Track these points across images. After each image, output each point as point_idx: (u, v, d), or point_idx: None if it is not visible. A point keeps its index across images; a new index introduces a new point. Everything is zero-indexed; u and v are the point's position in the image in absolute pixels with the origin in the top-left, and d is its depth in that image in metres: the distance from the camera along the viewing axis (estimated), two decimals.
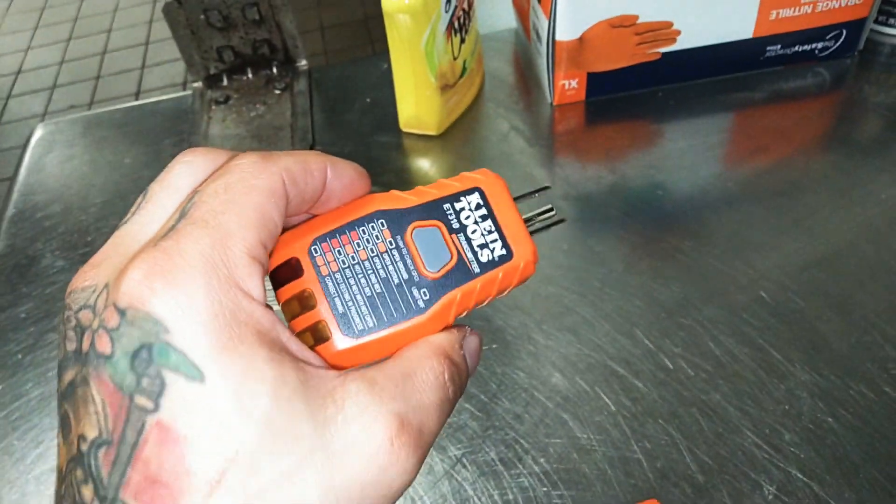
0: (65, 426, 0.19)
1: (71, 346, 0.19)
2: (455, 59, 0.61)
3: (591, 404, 0.44)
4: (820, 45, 0.63)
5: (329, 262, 0.22)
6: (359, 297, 0.22)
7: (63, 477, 0.19)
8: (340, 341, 0.21)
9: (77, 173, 0.67)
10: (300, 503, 0.18)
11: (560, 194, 0.58)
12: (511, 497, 0.41)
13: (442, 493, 0.42)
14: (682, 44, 0.60)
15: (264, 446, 0.18)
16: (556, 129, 0.64)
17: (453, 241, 0.23)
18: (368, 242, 0.22)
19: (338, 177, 0.22)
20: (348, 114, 0.67)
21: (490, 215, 0.23)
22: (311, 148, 0.64)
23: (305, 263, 0.22)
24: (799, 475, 0.40)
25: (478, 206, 0.24)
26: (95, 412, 0.18)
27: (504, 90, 0.68)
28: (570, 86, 0.62)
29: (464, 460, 0.43)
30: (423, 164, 0.63)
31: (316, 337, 0.21)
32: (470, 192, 0.24)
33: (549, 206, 0.27)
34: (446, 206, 0.23)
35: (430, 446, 0.20)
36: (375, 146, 0.63)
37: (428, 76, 0.59)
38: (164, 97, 0.75)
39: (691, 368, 0.46)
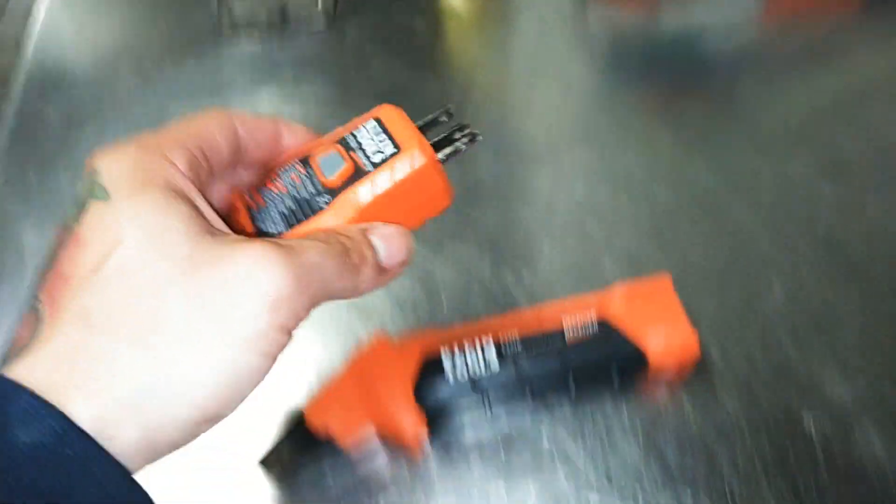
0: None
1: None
2: None
3: (611, 209, 0.46)
4: None
5: (257, 201, 0.26)
6: (276, 216, 0.25)
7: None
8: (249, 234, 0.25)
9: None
10: (161, 296, 0.20)
11: (594, 31, 0.57)
12: (528, 287, 0.43)
13: (463, 282, 0.43)
14: None
15: (140, 247, 0.21)
16: None
17: (350, 156, 0.26)
18: (285, 180, 0.26)
19: (290, 134, 0.27)
20: None
21: (384, 132, 0.26)
22: None
23: (237, 203, 0.26)
24: (809, 276, 0.42)
25: (374, 130, 0.26)
26: (53, 243, 0.23)
27: None
28: None
29: (484, 254, 0.44)
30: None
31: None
32: (367, 121, 0.27)
33: (459, 125, 0.29)
34: (348, 135, 0.26)
35: (312, 275, 0.22)
36: None
37: None
38: None
39: (712, 181, 0.47)
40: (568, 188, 0.47)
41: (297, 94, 0.55)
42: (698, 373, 0.38)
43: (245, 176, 0.27)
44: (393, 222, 0.25)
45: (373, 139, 0.26)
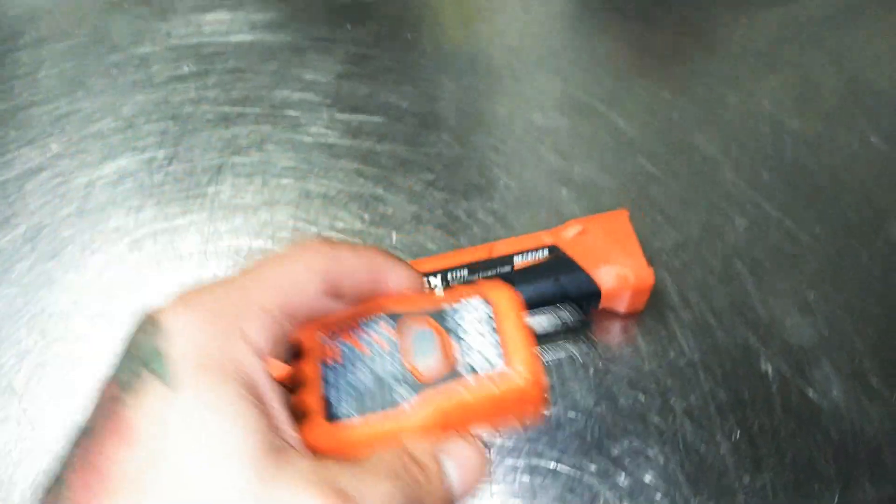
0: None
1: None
2: None
3: (570, 139, 0.43)
4: None
5: (333, 352, 0.22)
6: (348, 386, 0.22)
7: None
8: (318, 424, 0.21)
9: None
10: None
11: None
12: (481, 218, 0.41)
13: (412, 212, 0.41)
14: None
15: (198, 464, 0.18)
16: None
17: (449, 348, 0.22)
18: (371, 339, 0.23)
19: (391, 273, 0.24)
20: None
21: (491, 326, 0.22)
22: None
23: (310, 350, 0.22)
24: (772, 209, 0.40)
25: (481, 318, 0.23)
26: (93, 406, 0.19)
27: None
28: None
29: (437, 184, 0.42)
30: None
31: (299, 416, 0.21)
32: (476, 300, 0.23)
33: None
34: (450, 311, 0.23)
35: None
36: None
37: None
38: None
39: (677, 112, 0.44)
40: (527, 115, 0.44)
41: (245, 18, 0.51)
42: (653, 308, 0.37)
43: (334, 305, 0.23)
44: (475, 427, 0.22)
45: (478, 332, 0.22)
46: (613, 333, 0.37)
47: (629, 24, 0.49)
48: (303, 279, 0.22)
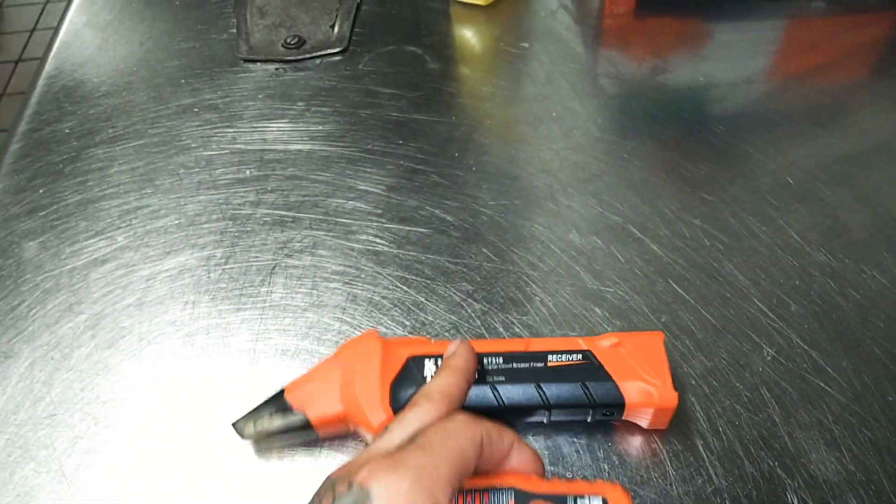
0: None
1: None
2: None
3: (605, 260, 0.45)
4: None
5: None
6: None
7: None
8: None
9: (128, 9, 0.68)
10: None
11: (601, 74, 0.58)
12: (517, 331, 0.43)
13: (452, 321, 0.43)
14: None
15: None
16: (605, 11, 0.63)
17: None
18: None
19: (518, 454, 0.30)
20: None
21: None
22: (359, 8, 0.64)
23: None
24: (799, 342, 0.41)
25: None
26: None
27: None
28: None
29: (475, 295, 0.44)
30: (468, 32, 0.63)
31: None
32: (595, 497, 0.28)
33: None
34: (570, 501, 0.27)
35: None
36: (423, 10, 0.63)
37: None
38: None
39: (708, 239, 0.46)
40: (563, 235, 0.47)
41: (305, 129, 0.55)
42: (682, 433, 0.38)
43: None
44: None
45: None
46: (642, 454, 0.38)
47: (664, 152, 0.52)
48: (470, 454, 0.27)
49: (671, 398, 0.36)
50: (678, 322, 0.42)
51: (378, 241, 0.47)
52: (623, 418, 0.37)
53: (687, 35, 0.61)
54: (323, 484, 0.27)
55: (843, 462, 0.37)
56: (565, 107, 0.55)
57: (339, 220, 0.49)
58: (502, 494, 0.27)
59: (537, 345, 0.37)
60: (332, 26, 0.62)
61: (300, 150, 0.53)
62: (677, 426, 0.38)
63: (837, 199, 0.48)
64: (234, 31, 0.64)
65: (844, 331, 0.42)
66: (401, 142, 0.53)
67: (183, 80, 0.60)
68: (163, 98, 0.59)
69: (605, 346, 0.37)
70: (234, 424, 0.37)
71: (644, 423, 0.38)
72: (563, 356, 0.37)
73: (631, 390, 0.36)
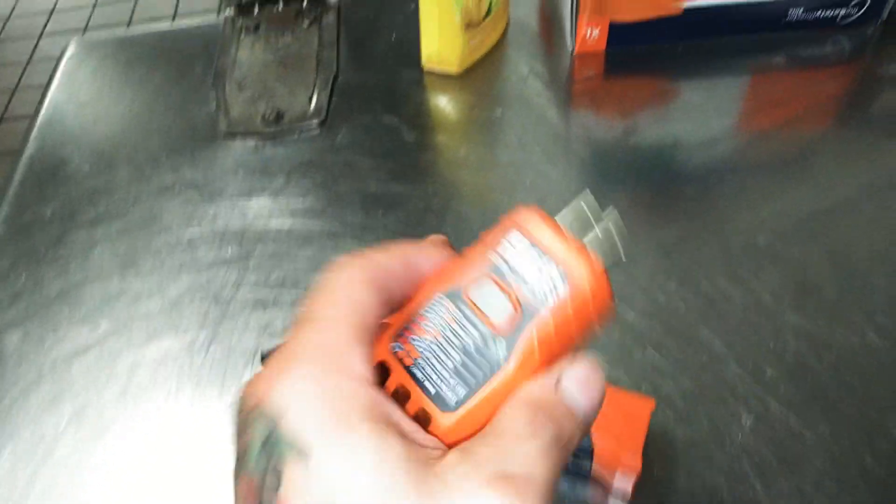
0: None
1: (239, 449, 0.21)
2: None
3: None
4: (843, 12, 0.63)
5: (410, 353, 0.23)
6: (444, 372, 0.22)
7: None
8: (442, 418, 0.22)
9: (108, 87, 0.69)
10: None
11: (574, 139, 0.59)
12: None
13: None
14: None
15: None
16: (575, 76, 0.65)
17: (510, 288, 0.22)
18: (437, 322, 0.23)
19: (427, 263, 0.24)
20: (373, 49, 0.69)
21: (535, 248, 0.23)
22: (335, 78, 0.65)
23: (391, 362, 0.23)
24: (777, 406, 0.42)
25: (523, 246, 0.23)
26: None
27: (527, 35, 0.69)
28: (592, 34, 0.63)
29: None
30: (442, 100, 0.64)
31: (421, 422, 0.22)
32: (509, 233, 0.23)
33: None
34: (493, 256, 0.23)
35: (550, 491, 0.19)
36: (399, 80, 0.65)
37: (453, 13, 0.60)
38: (197, 22, 0.77)
39: (683, 303, 0.47)
40: None
41: (286, 204, 0.56)
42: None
43: (387, 312, 0.23)
44: (570, 347, 0.23)
45: (528, 261, 0.23)
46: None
47: (637, 216, 0.53)
48: (365, 299, 0.22)
49: (634, 464, 0.36)
50: (658, 391, 0.43)
51: None
52: (594, 472, 0.38)
53: (655, 95, 0.63)
54: (240, 410, 0.21)
55: None
56: (538, 172, 0.56)
57: None
58: (434, 308, 0.23)
59: None
60: (310, 98, 0.64)
61: (281, 227, 0.54)
62: (660, 501, 0.38)
63: (807, 258, 0.49)
64: (214, 105, 0.65)
65: (820, 393, 0.42)
66: (381, 213, 0.54)
67: (164, 158, 0.61)
68: (144, 177, 0.60)
69: None
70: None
71: (614, 484, 0.38)
72: None
73: (602, 445, 0.37)
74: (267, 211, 0.55)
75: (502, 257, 0.23)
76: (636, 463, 0.37)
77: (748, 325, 0.46)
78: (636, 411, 0.38)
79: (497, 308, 0.22)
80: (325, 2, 0.73)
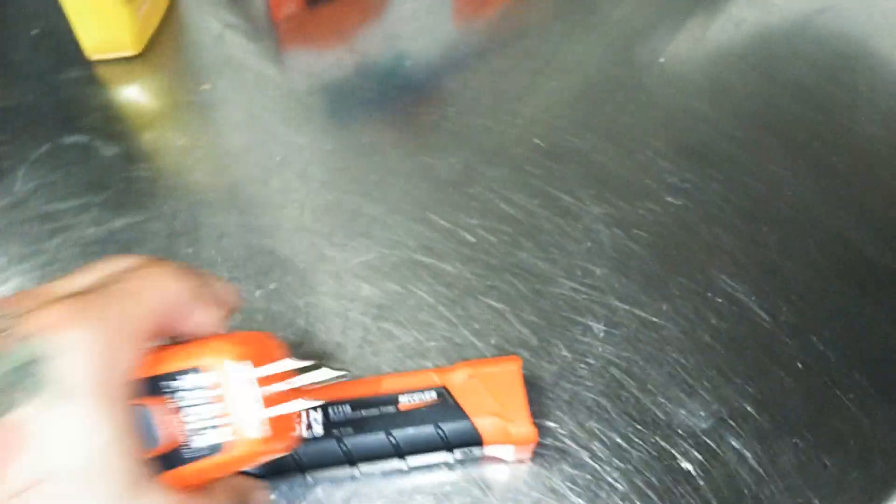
0: None
1: None
2: None
3: (409, 304, 0.41)
4: None
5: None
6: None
7: None
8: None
9: None
10: None
11: (304, 89, 0.51)
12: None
13: None
14: None
15: (80, 482, 0.20)
16: (276, 16, 0.56)
17: (180, 420, 0.24)
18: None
19: (207, 315, 0.26)
20: (13, 54, 0.53)
21: (225, 391, 0.25)
22: None
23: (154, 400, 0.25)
24: (619, 304, 0.41)
25: (214, 382, 0.25)
26: None
27: None
28: None
29: None
30: (130, 92, 0.52)
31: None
32: (209, 363, 0.25)
33: (312, 363, 0.28)
34: (183, 379, 0.25)
35: None
36: (64, 85, 0.51)
37: None
38: None
39: (492, 235, 0.44)
40: (357, 295, 0.41)
41: None
42: (563, 452, 0.36)
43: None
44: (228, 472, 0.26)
45: (209, 399, 0.24)
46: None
47: (406, 156, 0.47)
48: (161, 310, 0.24)
49: (529, 434, 0.34)
50: (507, 337, 0.40)
51: None
52: (486, 454, 0.35)
53: (370, 15, 0.56)
54: None
55: (708, 405, 0.38)
56: (284, 143, 0.48)
57: None
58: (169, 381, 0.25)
59: (389, 383, 0.34)
60: None
61: None
62: (559, 445, 0.36)
63: (587, 145, 0.48)
64: None
65: (650, 275, 0.42)
66: None
67: None
68: None
69: (459, 379, 0.34)
70: None
71: (509, 459, 0.36)
72: (416, 396, 0.34)
73: (488, 428, 0.34)
74: None
75: (190, 386, 0.25)
76: (529, 432, 0.34)
77: (560, 233, 0.44)
78: (505, 377, 0.35)
79: (148, 438, 0.24)
80: None
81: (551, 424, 0.37)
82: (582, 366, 0.39)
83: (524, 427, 0.34)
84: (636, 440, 0.37)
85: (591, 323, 0.41)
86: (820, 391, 0.39)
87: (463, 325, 0.40)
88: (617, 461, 0.36)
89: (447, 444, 0.34)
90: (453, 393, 0.34)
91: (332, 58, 0.53)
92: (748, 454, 0.37)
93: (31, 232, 0.44)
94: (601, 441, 0.37)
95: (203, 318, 0.25)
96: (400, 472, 0.35)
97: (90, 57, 0.52)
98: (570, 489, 0.36)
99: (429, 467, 0.36)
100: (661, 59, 0.53)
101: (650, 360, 0.39)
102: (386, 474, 0.36)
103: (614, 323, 0.40)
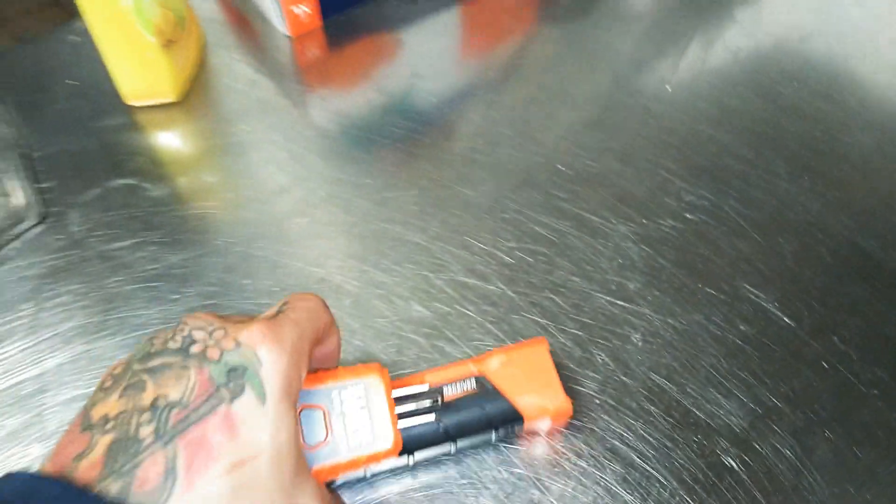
0: (135, 388, 0.26)
1: (174, 346, 0.27)
2: (166, 7, 0.52)
3: (458, 322, 0.44)
4: None
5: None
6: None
7: (112, 421, 0.25)
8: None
9: None
10: None
11: (336, 128, 0.54)
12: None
13: None
14: None
15: (271, 464, 0.26)
16: (300, 61, 0.59)
17: (331, 425, 0.32)
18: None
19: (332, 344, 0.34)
20: (54, 104, 0.56)
21: (367, 406, 0.33)
22: (30, 160, 0.52)
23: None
24: (654, 315, 0.44)
25: (359, 397, 0.33)
26: (185, 386, 0.25)
27: (228, 35, 0.61)
28: (304, 11, 0.58)
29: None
30: (171, 136, 0.54)
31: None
32: (356, 383, 0.33)
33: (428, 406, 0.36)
34: (334, 393, 0.33)
35: None
36: (106, 132, 0.53)
37: (143, 36, 0.50)
38: None
39: (529, 256, 0.47)
40: (407, 314, 0.44)
41: (47, 342, 0.44)
42: (598, 424, 0.39)
43: None
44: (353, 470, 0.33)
45: (355, 410, 0.33)
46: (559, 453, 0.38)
47: (447, 188, 0.50)
48: (317, 338, 0.30)
49: (565, 406, 0.37)
50: (552, 349, 0.43)
51: None
52: (526, 427, 0.38)
53: (391, 55, 0.59)
54: (186, 324, 0.28)
55: (743, 404, 0.41)
56: (324, 178, 0.51)
57: None
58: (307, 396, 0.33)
59: (432, 377, 0.37)
60: (7, 196, 0.50)
61: (57, 364, 0.43)
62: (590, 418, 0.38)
63: (606, 167, 0.51)
64: None
65: (679, 286, 0.45)
66: (174, 297, 0.45)
67: None
68: None
69: (495, 365, 0.38)
70: None
71: (543, 429, 0.39)
72: (459, 386, 0.37)
73: (528, 406, 0.37)
74: (33, 356, 0.43)
75: (340, 398, 0.33)
76: (565, 404, 0.37)
77: (592, 251, 0.47)
78: (536, 357, 0.38)
79: (313, 434, 0.32)
80: None
81: (600, 429, 0.40)
82: (624, 373, 0.42)
83: (560, 400, 0.37)
84: (680, 440, 0.40)
85: (629, 333, 0.43)
86: (845, 387, 0.42)
87: (510, 339, 0.43)
88: (664, 460, 0.39)
89: (493, 425, 0.37)
90: (491, 378, 0.37)
91: (358, 97, 0.56)
92: (784, 449, 0.39)
93: (91, 271, 0.46)
94: (648, 442, 0.39)
95: (332, 343, 0.33)
96: (467, 476, 0.38)
97: (129, 103, 0.54)
98: (623, 488, 0.38)
99: (491, 472, 0.38)
100: (668, 88, 0.56)
101: (687, 366, 0.42)
102: (447, 478, 0.38)
103: (651, 333, 0.43)
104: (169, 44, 0.52)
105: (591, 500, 0.38)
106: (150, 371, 0.26)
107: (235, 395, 0.26)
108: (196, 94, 0.56)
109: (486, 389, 0.37)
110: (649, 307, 0.44)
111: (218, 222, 0.49)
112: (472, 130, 0.54)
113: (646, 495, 0.38)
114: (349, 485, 0.37)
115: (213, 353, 0.26)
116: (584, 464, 0.39)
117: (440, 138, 0.53)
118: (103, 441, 0.24)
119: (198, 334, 0.27)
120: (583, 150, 0.52)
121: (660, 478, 0.38)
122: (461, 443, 0.37)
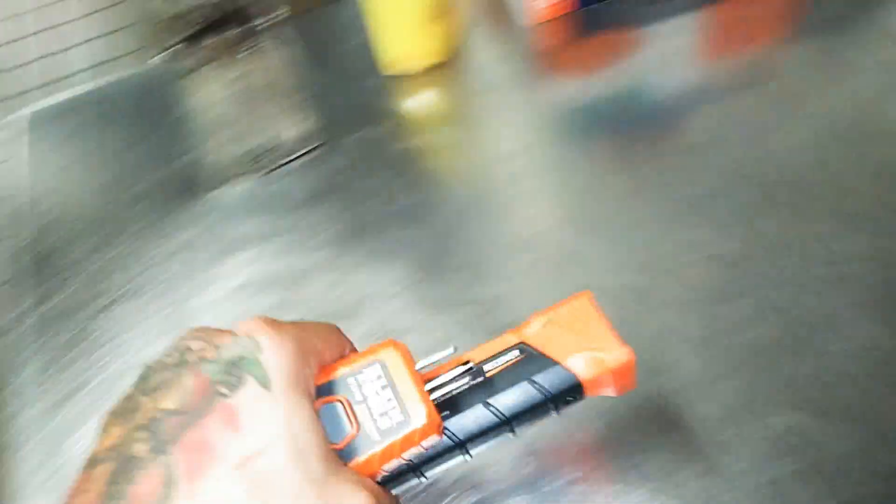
0: (132, 411, 0.25)
1: (171, 361, 0.26)
2: None
3: (664, 291, 0.47)
4: None
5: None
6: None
7: (109, 451, 0.24)
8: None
9: (66, 164, 0.64)
10: None
11: (565, 110, 0.59)
12: None
13: None
14: None
15: (287, 456, 0.24)
16: (544, 46, 0.65)
17: (354, 417, 0.28)
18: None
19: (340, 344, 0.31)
20: (340, 60, 0.66)
21: (390, 385, 0.29)
22: (314, 97, 0.63)
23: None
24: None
25: (379, 379, 0.29)
26: (182, 393, 0.24)
27: (484, 16, 0.68)
28: (548, 3, 0.64)
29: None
30: (420, 101, 0.63)
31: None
32: (372, 365, 0.29)
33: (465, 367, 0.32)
34: (352, 381, 0.29)
35: None
36: (367, 92, 0.63)
37: (416, 10, 0.59)
38: (128, 73, 0.72)
39: (746, 248, 0.48)
40: (610, 280, 0.48)
41: (313, 235, 0.54)
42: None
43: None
44: (396, 457, 0.29)
45: (378, 392, 0.29)
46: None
47: (667, 179, 0.54)
48: (334, 342, 0.30)
49: (624, 356, 0.32)
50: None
51: None
52: (589, 396, 0.33)
53: (625, 45, 0.63)
54: (182, 339, 0.27)
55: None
56: (547, 152, 0.56)
57: None
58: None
59: (470, 357, 0.33)
60: (296, 123, 0.61)
61: (313, 263, 0.52)
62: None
63: (838, 183, 0.51)
64: (190, 156, 0.61)
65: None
66: (413, 228, 0.53)
67: (158, 222, 0.57)
68: (145, 248, 0.56)
69: (535, 329, 0.33)
70: None
71: (612, 393, 0.33)
72: (500, 359, 0.32)
73: (580, 365, 0.32)
74: (296, 247, 0.54)
75: (357, 381, 0.29)
76: (623, 353, 0.32)
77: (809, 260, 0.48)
78: (580, 312, 0.33)
79: (337, 430, 0.28)
80: (264, 22, 0.70)
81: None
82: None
83: (616, 350, 0.32)
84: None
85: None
86: None
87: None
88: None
89: (546, 395, 0.32)
90: (533, 344, 0.32)
91: (591, 86, 0.60)
92: None
93: (345, 195, 0.56)
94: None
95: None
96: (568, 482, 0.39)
97: (387, 73, 0.64)
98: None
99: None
100: None
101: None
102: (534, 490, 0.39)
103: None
104: (435, 19, 0.61)
105: None
106: (146, 391, 0.25)
107: (233, 387, 0.24)
108: (450, 64, 0.64)
109: (531, 356, 0.32)
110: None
111: (454, 173, 0.56)
112: (696, 128, 0.56)
113: None
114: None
115: (210, 354, 0.25)
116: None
117: (665, 132, 0.56)
118: (103, 473, 0.23)
119: (195, 344, 0.26)
120: (808, 160, 0.51)
121: None
122: (519, 424, 0.32)
